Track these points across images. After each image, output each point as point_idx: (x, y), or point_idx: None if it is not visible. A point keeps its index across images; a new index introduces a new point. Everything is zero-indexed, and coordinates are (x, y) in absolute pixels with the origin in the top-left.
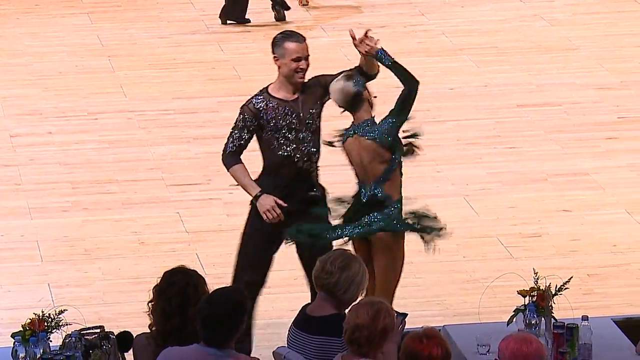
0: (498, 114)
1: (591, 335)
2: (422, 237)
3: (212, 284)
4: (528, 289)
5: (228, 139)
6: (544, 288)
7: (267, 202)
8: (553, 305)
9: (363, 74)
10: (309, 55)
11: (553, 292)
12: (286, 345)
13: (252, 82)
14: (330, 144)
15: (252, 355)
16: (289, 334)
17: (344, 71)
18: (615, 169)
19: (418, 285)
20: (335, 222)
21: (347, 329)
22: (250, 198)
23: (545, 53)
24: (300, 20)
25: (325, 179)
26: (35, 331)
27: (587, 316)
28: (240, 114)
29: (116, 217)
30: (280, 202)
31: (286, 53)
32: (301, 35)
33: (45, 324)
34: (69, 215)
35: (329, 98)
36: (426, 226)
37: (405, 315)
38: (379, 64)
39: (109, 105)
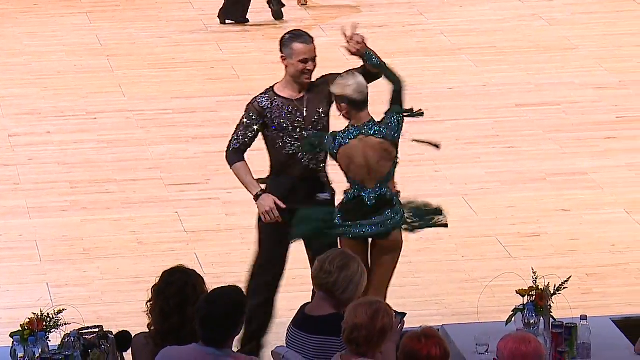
0: (497, 113)
1: (590, 335)
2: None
3: (211, 284)
4: (527, 289)
5: (232, 136)
6: (542, 287)
7: (267, 202)
8: (552, 304)
9: (367, 73)
10: (316, 56)
11: (552, 292)
12: (285, 345)
13: (251, 82)
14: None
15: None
16: (287, 333)
17: (349, 70)
18: (614, 169)
19: (417, 285)
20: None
21: (345, 329)
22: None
23: (544, 53)
24: (299, 20)
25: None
26: (34, 331)
27: (586, 316)
28: (245, 111)
29: (115, 216)
30: (280, 203)
31: (293, 54)
32: (309, 36)
33: (44, 323)
34: (67, 215)
35: None
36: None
37: (403, 314)
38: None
39: (107, 104)
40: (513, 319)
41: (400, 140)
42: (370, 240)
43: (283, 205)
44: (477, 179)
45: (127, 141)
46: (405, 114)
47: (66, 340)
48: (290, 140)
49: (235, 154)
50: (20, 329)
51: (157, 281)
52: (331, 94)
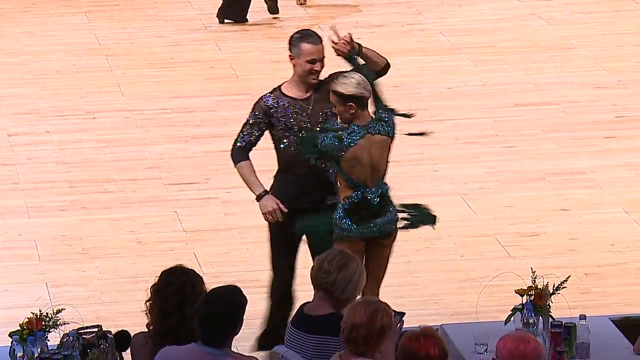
0: (496, 113)
1: (589, 334)
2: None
3: (210, 283)
4: (526, 288)
5: (238, 134)
6: (541, 287)
7: (269, 203)
8: (551, 304)
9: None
10: (324, 57)
11: (551, 291)
12: (284, 345)
13: (250, 81)
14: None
15: (249, 354)
16: (286, 333)
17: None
18: (613, 168)
19: (416, 285)
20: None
21: (344, 328)
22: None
23: (543, 52)
24: (298, 19)
25: None
26: (33, 330)
27: (585, 315)
28: (252, 110)
29: (114, 216)
30: (282, 206)
31: (301, 53)
32: (318, 36)
33: (43, 323)
34: (66, 215)
35: None
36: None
37: (402, 314)
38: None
39: (106, 104)
40: (512, 319)
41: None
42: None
43: (285, 209)
44: (476, 179)
45: (126, 141)
46: (396, 114)
47: (65, 339)
48: (296, 140)
49: (241, 152)
50: (19, 328)
51: (156, 281)
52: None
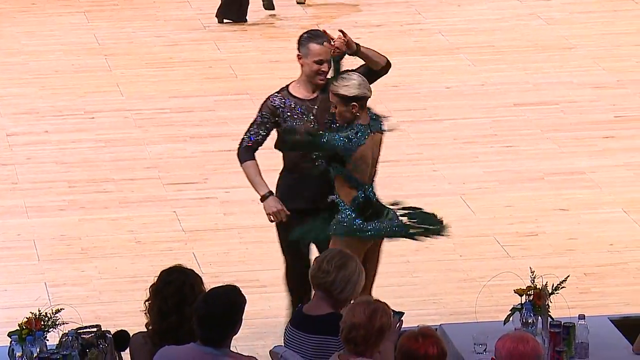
0: (495, 112)
1: (588, 334)
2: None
3: (209, 283)
4: (525, 288)
5: (245, 133)
6: (540, 287)
7: (273, 204)
8: (550, 304)
9: (370, 71)
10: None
11: (550, 291)
12: (283, 344)
13: (248, 81)
14: None
15: (248, 354)
16: (285, 333)
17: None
18: (612, 168)
19: (415, 284)
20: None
21: (343, 328)
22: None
23: (542, 52)
24: (297, 18)
25: None
26: (32, 330)
27: (584, 315)
28: (259, 110)
29: (113, 216)
30: (285, 210)
31: (309, 54)
32: (326, 36)
33: (42, 322)
34: (65, 214)
35: None
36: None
37: (401, 314)
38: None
39: (105, 104)
40: (511, 319)
41: None
42: None
43: (287, 212)
44: (475, 179)
45: (125, 140)
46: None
47: (64, 339)
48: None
49: (247, 152)
50: (18, 328)
51: (155, 280)
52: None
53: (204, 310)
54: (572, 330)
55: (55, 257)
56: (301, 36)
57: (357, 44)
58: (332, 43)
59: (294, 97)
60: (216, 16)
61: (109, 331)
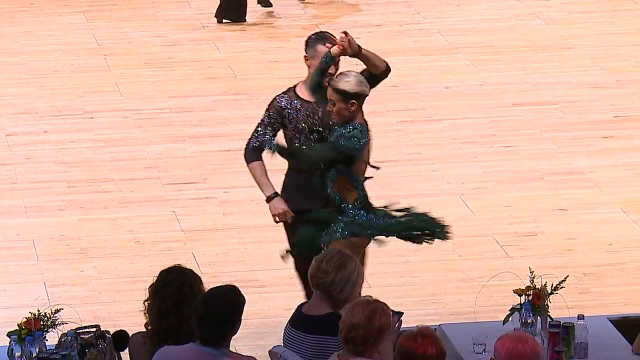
0: (494, 112)
1: (587, 334)
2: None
3: (208, 283)
4: (524, 288)
5: (252, 134)
6: (539, 287)
7: (279, 205)
8: (549, 304)
9: (370, 75)
10: (339, 60)
11: (549, 291)
12: (282, 345)
13: (248, 81)
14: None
15: (247, 354)
16: (284, 333)
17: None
18: (611, 168)
19: (414, 284)
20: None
21: (342, 328)
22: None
23: (541, 52)
24: (297, 18)
25: None
26: (31, 330)
27: (583, 315)
28: (266, 110)
29: (112, 216)
30: (290, 212)
31: (317, 55)
32: (333, 38)
33: (41, 323)
34: (65, 214)
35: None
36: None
37: (401, 314)
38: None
39: (104, 104)
40: (510, 319)
41: None
42: None
43: (292, 213)
44: (474, 178)
45: (124, 140)
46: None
47: (63, 339)
48: (307, 142)
49: (254, 152)
50: (17, 328)
51: (154, 280)
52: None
53: (203, 310)
54: (571, 330)
55: (54, 257)
56: (309, 37)
57: (358, 46)
58: (336, 44)
59: (300, 98)
60: (215, 16)
61: (108, 331)
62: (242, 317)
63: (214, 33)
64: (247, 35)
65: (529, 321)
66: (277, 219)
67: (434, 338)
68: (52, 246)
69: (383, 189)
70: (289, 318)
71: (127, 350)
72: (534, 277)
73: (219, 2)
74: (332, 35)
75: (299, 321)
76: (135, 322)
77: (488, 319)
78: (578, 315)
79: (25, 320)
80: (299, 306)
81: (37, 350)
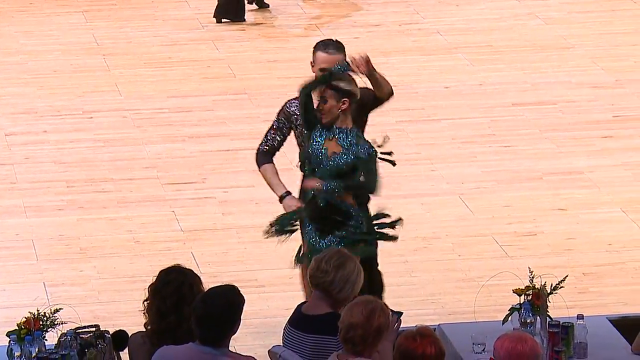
0: (493, 112)
1: (586, 334)
2: None
3: (208, 283)
4: (523, 288)
5: (263, 138)
6: (539, 287)
7: (292, 203)
8: (548, 304)
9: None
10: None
11: (548, 291)
12: (281, 344)
13: (247, 81)
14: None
15: (246, 354)
16: (284, 332)
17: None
18: (611, 168)
19: (413, 284)
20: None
21: (342, 328)
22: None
23: (540, 52)
24: (296, 18)
25: None
26: (30, 330)
27: (583, 315)
28: (277, 114)
29: (111, 215)
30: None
31: (316, 61)
32: (338, 47)
33: (41, 322)
34: (64, 214)
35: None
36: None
37: (400, 313)
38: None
39: (104, 103)
40: (509, 318)
41: None
42: None
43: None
44: (474, 178)
45: (124, 140)
46: None
47: (63, 339)
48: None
49: (264, 156)
50: (16, 328)
51: (153, 280)
52: (359, 106)
53: (202, 310)
54: (570, 330)
55: (53, 256)
56: (316, 43)
57: (373, 68)
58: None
59: None
60: (214, 16)
61: (108, 331)
62: (242, 316)
63: (213, 33)
64: (247, 35)
65: (528, 321)
66: None
67: (433, 338)
68: (52, 246)
69: (382, 189)
70: (288, 318)
71: (126, 350)
72: (533, 277)
73: (217, 2)
74: (339, 43)
75: (299, 321)
76: (134, 322)
77: (487, 318)
78: (577, 315)
79: (25, 320)
80: (298, 306)
81: (37, 350)
